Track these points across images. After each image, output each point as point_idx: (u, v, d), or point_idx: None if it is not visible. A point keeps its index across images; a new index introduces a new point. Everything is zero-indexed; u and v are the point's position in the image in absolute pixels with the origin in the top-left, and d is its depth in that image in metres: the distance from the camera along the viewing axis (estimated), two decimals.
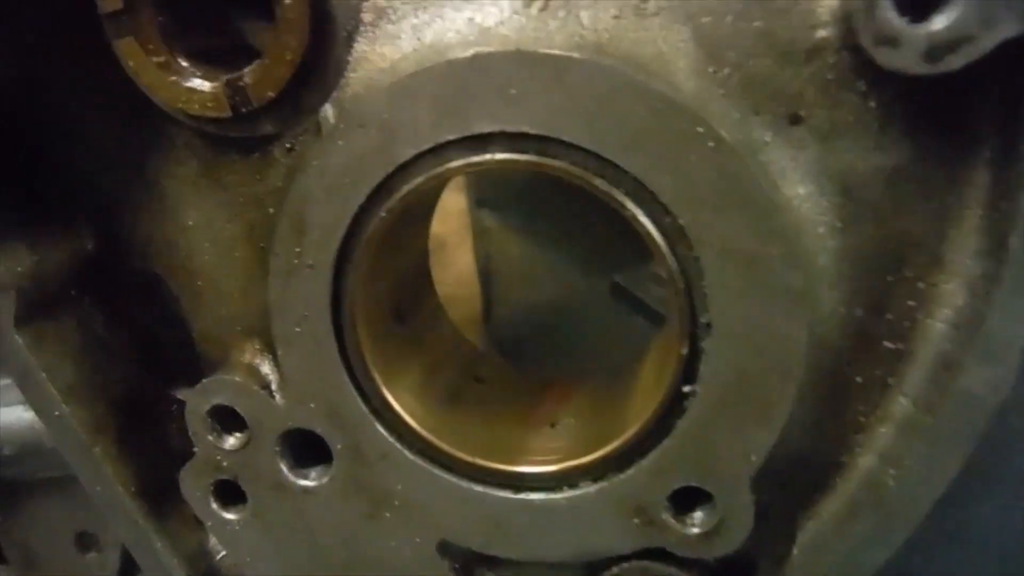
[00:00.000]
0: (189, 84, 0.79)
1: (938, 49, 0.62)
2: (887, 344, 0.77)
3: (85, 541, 1.42)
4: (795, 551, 0.85)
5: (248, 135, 0.83)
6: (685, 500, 0.81)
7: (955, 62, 0.62)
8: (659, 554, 0.84)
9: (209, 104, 0.79)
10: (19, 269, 0.91)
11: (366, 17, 0.77)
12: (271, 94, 0.77)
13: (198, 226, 0.91)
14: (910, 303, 0.75)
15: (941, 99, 0.68)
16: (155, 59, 0.78)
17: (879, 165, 0.72)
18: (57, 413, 0.94)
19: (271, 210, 0.85)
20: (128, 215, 0.95)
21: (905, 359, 0.77)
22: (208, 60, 0.81)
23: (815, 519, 0.84)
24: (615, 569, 0.85)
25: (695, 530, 0.80)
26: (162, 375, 1.03)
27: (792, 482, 0.83)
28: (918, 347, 0.76)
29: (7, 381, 1.21)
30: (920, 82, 0.65)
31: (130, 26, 0.78)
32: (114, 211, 0.95)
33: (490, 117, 0.72)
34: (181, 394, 1.03)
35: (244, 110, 0.79)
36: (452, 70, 0.71)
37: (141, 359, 1.02)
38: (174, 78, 0.79)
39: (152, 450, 1.02)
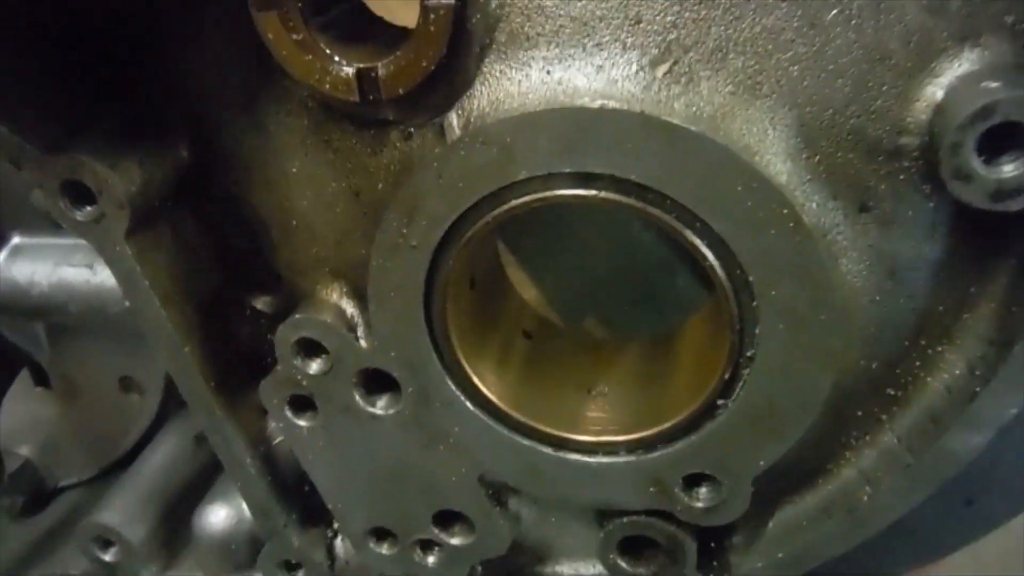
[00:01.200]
0: (324, 65, 0.84)
1: (1003, 192, 0.72)
2: (889, 391, 0.92)
3: (127, 384, 1.57)
4: (770, 526, 1.04)
5: (369, 115, 0.90)
6: (696, 479, 0.98)
7: (1013, 205, 0.73)
8: (662, 513, 1.02)
9: (340, 87, 0.85)
10: (132, 188, 0.98)
11: (500, 37, 0.83)
12: (401, 91, 0.84)
13: (301, 175, 0.98)
14: (917, 363, 0.90)
15: (987, 215, 0.79)
16: (295, 36, 0.83)
17: (923, 255, 0.84)
18: (155, 315, 1.05)
19: (380, 185, 0.93)
20: (229, 143, 1.01)
21: (901, 404, 0.92)
22: (343, 34, 0.86)
23: (793, 506, 1.02)
24: (625, 519, 1.04)
25: (699, 504, 0.98)
26: (241, 284, 1.13)
27: (782, 474, 1.01)
28: (913, 398, 0.91)
29: (75, 241, 1.32)
30: None
31: (274, 1, 0.83)
32: (216, 136, 1.01)
33: (604, 161, 0.80)
34: (260, 304, 1.14)
35: (372, 98, 0.85)
36: (579, 116, 0.79)
37: (224, 269, 1.12)
38: (310, 57, 0.84)
39: (227, 349, 1.14)
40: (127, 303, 1.28)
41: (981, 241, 0.82)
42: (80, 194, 0.97)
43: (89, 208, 0.98)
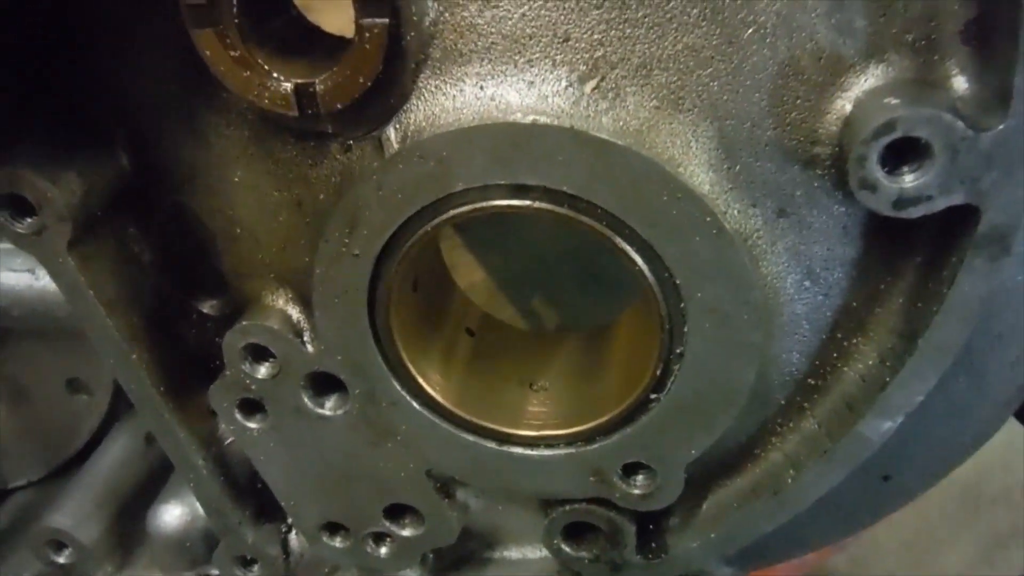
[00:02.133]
0: (262, 81, 0.86)
1: (904, 201, 0.78)
2: (809, 380, 0.98)
3: (75, 385, 1.56)
4: (704, 507, 1.10)
5: (308, 128, 0.92)
6: (633, 467, 1.03)
7: (913, 213, 0.78)
8: (602, 500, 1.08)
9: (279, 102, 0.87)
10: (73, 200, 0.99)
11: (434, 54, 0.85)
12: (339, 106, 0.86)
13: (243, 184, 1.00)
14: (834, 355, 0.96)
15: (894, 220, 0.85)
16: (232, 53, 0.84)
17: (838, 255, 0.89)
18: (101, 324, 1.06)
19: (321, 195, 0.96)
20: (170, 153, 1.02)
21: (820, 392, 0.99)
22: (281, 47, 0.88)
23: (725, 489, 1.09)
24: (567, 507, 1.09)
25: (636, 491, 1.03)
26: (187, 289, 1.15)
27: (712, 460, 1.07)
28: (832, 386, 0.98)
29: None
30: None
31: (211, 18, 0.84)
32: (156, 146, 1.02)
33: (536, 173, 0.84)
34: (206, 307, 1.16)
35: (310, 112, 0.87)
36: (512, 131, 0.82)
37: (169, 274, 1.13)
38: (248, 73, 0.86)
39: (175, 353, 1.15)
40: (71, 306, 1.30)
41: (889, 242, 0.88)
42: (20, 207, 0.97)
43: (30, 220, 0.98)
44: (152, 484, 1.44)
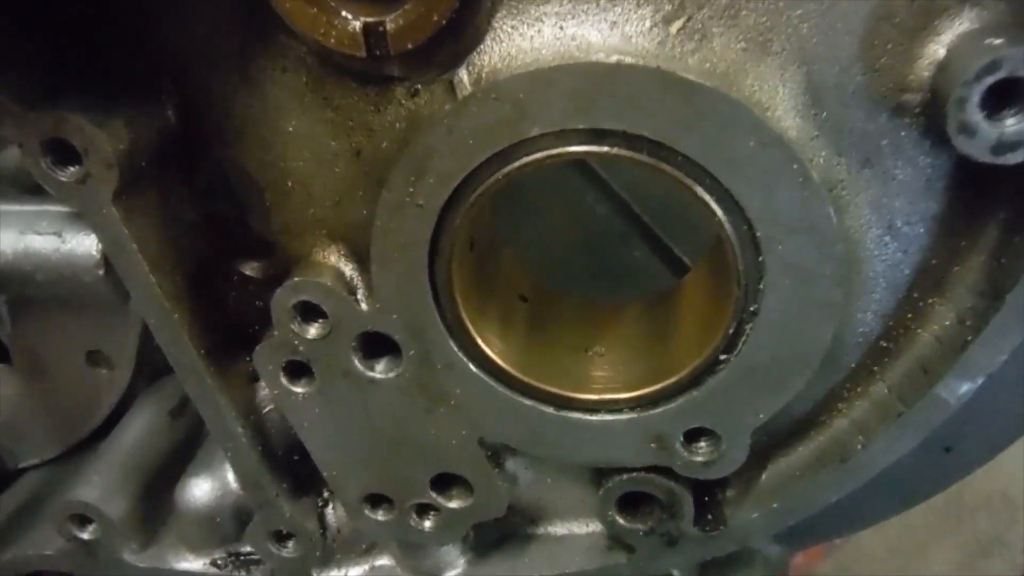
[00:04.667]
0: (329, 18, 0.82)
1: (1003, 146, 0.75)
2: (882, 343, 0.96)
3: (95, 359, 1.51)
4: (763, 477, 1.07)
5: (373, 71, 0.88)
6: (695, 433, 1.00)
7: (1012, 159, 0.76)
8: (660, 468, 1.04)
9: (346, 42, 0.83)
10: (120, 147, 0.94)
11: None
12: (409, 46, 0.83)
13: (298, 134, 0.96)
14: (908, 315, 0.94)
15: (980, 170, 0.83)
16: None
17: (919, 210, 0.87)
18: (144, 282, 1.02)
19: (384, 143, 0.92)
20: (220, 102, 0.98)
21: (892, 355, 0.96)
22: None
23: (786, 458, 1.06)
24: (625, 476, 1.05)
25: (699, 458, 1.00)
26: (230, 249, 1.11)
27: (774, 428, 1.04)
28: (904, 349, 0.95)
29: (41, 207, 1.27)
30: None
31: None
32: (206, 94, 0.98)
33: (617, 117, 0.81)
34: (249, 269, 1.12)
35: (379, 53, 0.84)
36: (594, 71, 0.79)
37: (213, 233, 1.09)
38: (315, 9, 0.82)
39: (215, 315, 1.12)
40: (100, 272, 1.26)
41: (973, 196, 0.86)
42: (64, 153, 0.93)
43: (73, 168, 0.94)
44: (177, 462, 1.40)
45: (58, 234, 1.28)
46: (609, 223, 2.00)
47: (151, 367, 1.50)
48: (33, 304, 1.46)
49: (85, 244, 1.23)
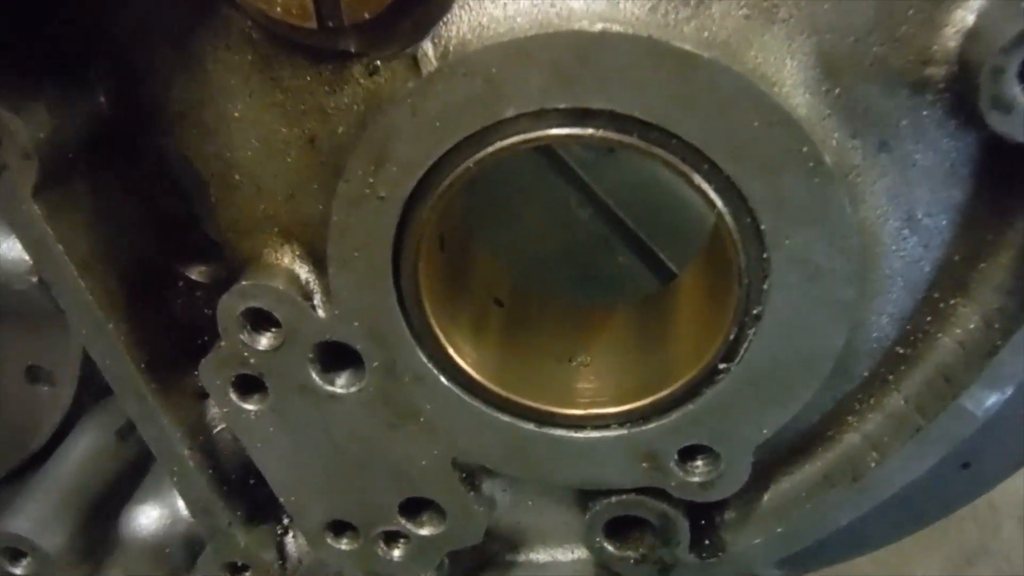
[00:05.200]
0: None
1: None
2: (898, 349, 0.86)
3: (35, 374, 1.40)
4: (766, 498, 0.97)
5: (326, 46, 0.78)
6: (691, 451, 0.90)
7: None
8: (652, 490, 0.94)
9: (294, 11, 0.73)
10: (40, 135, 0.84)
11: None
12: (366, 15, 0.73)
13: (244, 120, 0.86)
14: (928, 318, 0.84)
15: (1011, 155, 0.74)
16: None
17: (942, 200, 0.78)
18: (72, 287, 0.91)
19: (340, 128, 0.82)
20: (158, 85, 0.88)
21: (909, 363, 0.87)
22: None
23: (790, 477, 0.96)
24: (614, 499, 0.95)
25: (695, 479, 0.90)
26: (173, 251, 1.00)
27: (777, 444, 0.94)
28: (924, 356, 0.86)
29: None
30: (998, 137, 0.70)
31: None
32: (142, 77, 0.88)
33: (604, 95, 0.71)
34: (195, 273, 1.01)
35: (331, 24, 0.74)
36: (577, 41, 0.69)
37: (152, 233, 0.98)
38: None
39: (158, 325, 1.01)
40: (34, 279, 1.14)
41: (1002, 184, 0.77)
42: None
43: None
44: (124, 485, 1.28)
45: None
46: (592, 227, 1.91)
47: (98, 383, 1.38)
48: None
49: (17, 249, 1.11)
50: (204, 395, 1.06)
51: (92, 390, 1.39)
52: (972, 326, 0.82)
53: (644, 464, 0.91)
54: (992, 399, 0.80)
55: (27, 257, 1.09)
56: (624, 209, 1.86)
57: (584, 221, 1.91)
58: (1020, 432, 0.97)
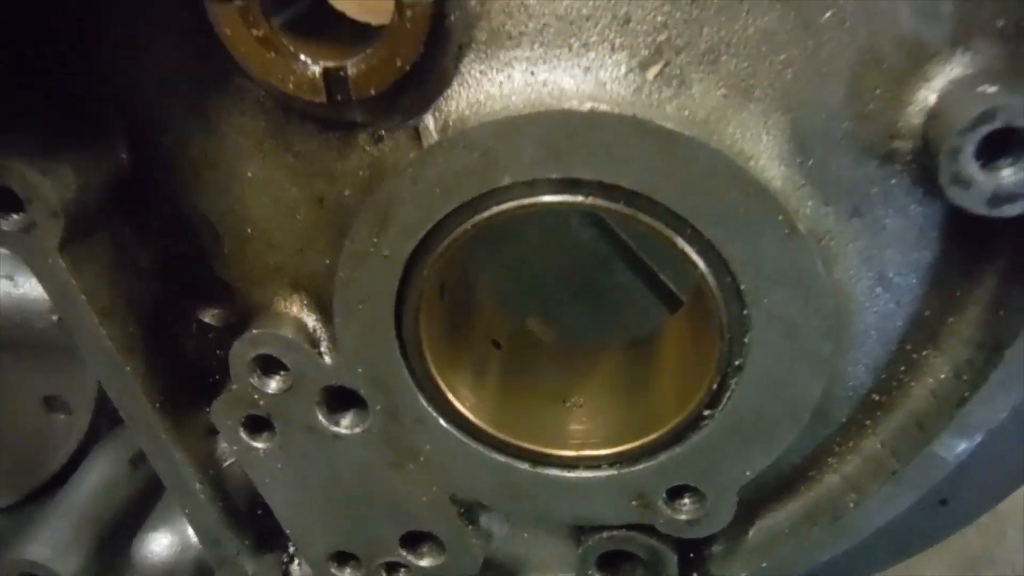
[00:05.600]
0: (288, 64, 0.77)
1: (1000, 198, 0.71)
2: (874, 396, 0.91)
3: (53, 404, 1.45)
4: (751, 533, 1.02)
5: (335, 117, 0.83)
6: (679, 490, 0.95)
7: (1009, 211, 0.72)
8: (642, 526, 0.99)
9: (306, 88, 0.78)
10: (67, 195, 0.89)
11: (480, 36, 0.77)
12: (372, 92, 0.78)
13: (257, 180, 0.91)
14: (902, 368, 0.89)
15: (976, 219, 0.79)
16: (255, 31, 0.76)
17: (912, 260, 0.83)
18: (94, 334, 0.96)
19: (346, 191, 0.87)
20: (176, 146, 0.93)
21: (885, 409, 0.92)
22: (305, 31, 0.80)
23: (775, 514, 1.01)
24: (604, 535, 1.00)
25: (683, 517, 0.95)
26: (188, 296, 1.05)
27: (762, 483, 0.99)
28: (898, 403, 0.91)
29: None
30: None
31: None
32: (161, 138, 0.93)
33: (592, 167, 0.76)
34: (208, 317, 1.06)
35: (339, 98, 0.79)
36: (567, 119, 0.75)
37: (169, 280, 1.04)
38: (272, 55, 0.77)
39: (172, 366, 1.06)
40: (54, 318, 1.20)
41: (969, 245, 0.82)
42: (7, 201, 0.88)
43: (17, 216, 0.89)
44: (137, 512, 1.33)
45: (10, 278, 1.23)
46: (593, 248, 1.94)
47: (112, 411, 1.43)
48: None
49: (38, 289, 1.16)
50: (214, 431, 1.11)
51: (107, 417, 1.45)
52: (943, 376, 0.87)
53: (634, 502, 0.96)
54: (962, 446, 0.85)
55: (47, 297, 1.15)
56: (626, 231, 1.90)
57: (586, 241, 1.94)
58: (994, 471, 1.01)
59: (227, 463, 1.13)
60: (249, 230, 0.95)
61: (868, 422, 0.93)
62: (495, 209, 0.80)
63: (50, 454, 1.47)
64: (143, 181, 0.96)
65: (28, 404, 1.43)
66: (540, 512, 1.00)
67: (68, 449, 1.46)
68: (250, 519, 1.15)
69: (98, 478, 1.34)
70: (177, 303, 1.05)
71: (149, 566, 1.23)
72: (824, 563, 1.09)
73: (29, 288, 1.21)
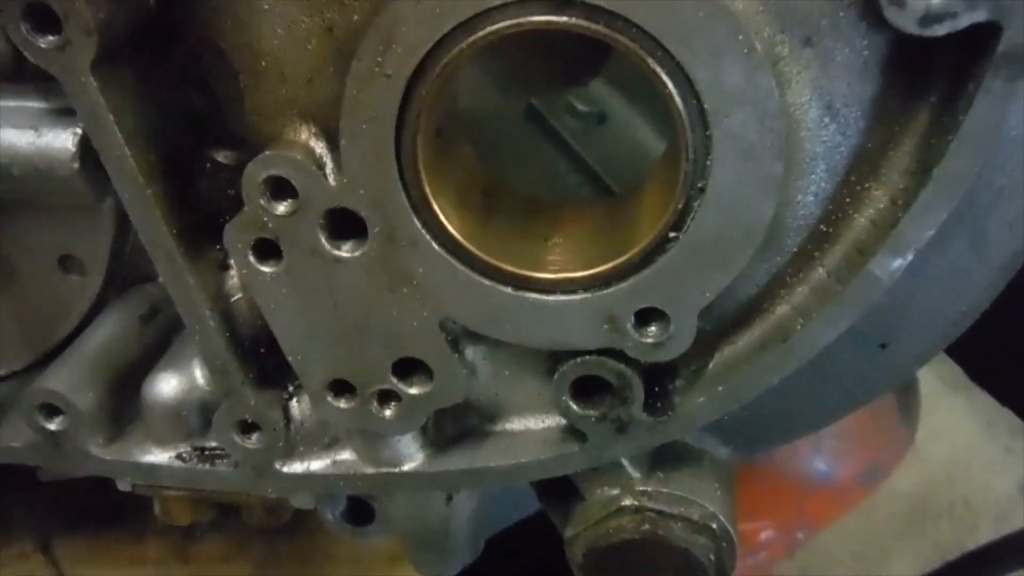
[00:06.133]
0: None
1: (930, 18, 0.81)
2: (822, 227, 1.02)
3: (68, 264, 1.53)
4: (710, 366, 1.13)
5: None
6: (645, 316, 1.05)
7: (939, 30, 0.82)
8: (612, 352, 1.09)
9: None
10: (100, 15, 0.98)
11: None
12: None
13: (273, 11, 1.00)
14: (847, 199, 0.99)
15: (915, 50, 0.89)
16: None
17: (857, 93, 0.93)
18: (119, 154, 1.05)
19: (355, 17, 0.97)
20: None
21: (830, 240, 1.02)
22: None
23: (732, 346, 1.11)
24: (578, 359, 1.10)
25: (648, 340, 1.05)
26: (203, 135, 1.14)
27: (721, 315, 1.10)
28: (842, 233, 1.01)
29: (18, 103, 1.29)
30: (905, 36, 0.85)
31: None
32: None
33: None
34: (221, 157, 1.15)
35: None
36: None
37: (186, 118, 1.13)
38: None
39: (187, 199, 1.15)
40: (75, 166, 1.28)
41: (907, 80, 0.92)
42: (44, 20, 0.97)
43: (53, 36, 0.98)
44: (145, 365, 1.42)
45: (34, 128, 1.30)
46: (580, 193, 2.02)
47: (122, 277, 1.52)
48: (5, 206, 1.48)
49: (61, 138, 1.25)
50: (224, 267, 1.21)
51: (117, 283, 1.54)
52: (881, 206, 0.97)
53: (605, 326, 1.06)
54: (896, 264, 0.95)
55: (70, 146, 1.24)
56: (612, 177, 2.00)
57: (573, 187, 2.03)
58: (932, 316, 1.12)
59: (235, 298, 1.22)
60: (263, 63, 1.04)
61: (816, 253, 1.03)
62: (488, 28, 0.90)
63: (63, 316, 1.55)
64: (167, 19, 1.05)
65: (45, 264, 1.50)
66: (521, 336, 1.10)
67: (81, 311, 1.53)
68: (254, 355, 1.24)
69: (110, 329, 1.43)
70: (192, 141, 1.15)
71: (159, 403, 1.32)
72: (779, 412, 1.20)
73: (52, 138, 1.28)
